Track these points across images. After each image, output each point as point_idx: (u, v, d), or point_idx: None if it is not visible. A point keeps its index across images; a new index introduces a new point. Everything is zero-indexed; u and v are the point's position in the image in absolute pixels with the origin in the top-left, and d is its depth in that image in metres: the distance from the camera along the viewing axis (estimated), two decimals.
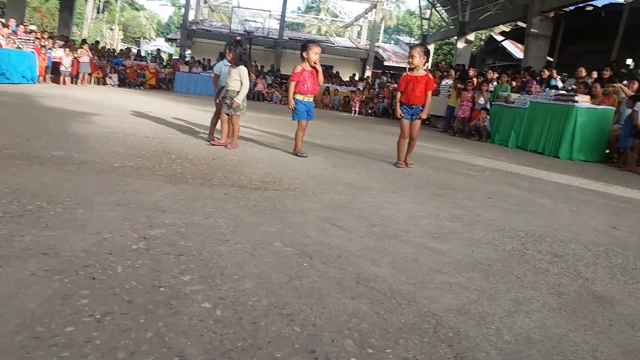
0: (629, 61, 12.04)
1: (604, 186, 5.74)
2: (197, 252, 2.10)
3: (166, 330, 1.42)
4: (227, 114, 5.46)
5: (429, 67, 18.71)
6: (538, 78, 11.18)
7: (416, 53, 5.28)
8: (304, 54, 5.31)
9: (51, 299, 1.55)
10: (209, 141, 5.73)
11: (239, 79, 5.35)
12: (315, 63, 5.26)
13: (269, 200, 3.21)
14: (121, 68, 19.16)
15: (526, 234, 3.07)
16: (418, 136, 5.67)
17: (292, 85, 5.37)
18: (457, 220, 3.24)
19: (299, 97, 5.36)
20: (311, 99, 5.43)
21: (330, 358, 1.38)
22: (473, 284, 2.10)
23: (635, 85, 8.34)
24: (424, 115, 5.42)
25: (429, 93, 5.37)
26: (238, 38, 6.65)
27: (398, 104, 5.54)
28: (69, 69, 15.21)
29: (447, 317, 1.74)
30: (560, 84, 10.83)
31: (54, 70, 15.20)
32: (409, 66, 5.51)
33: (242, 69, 5.38)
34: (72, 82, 15.56)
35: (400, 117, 5.53)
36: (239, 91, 5.35)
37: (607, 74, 9.65)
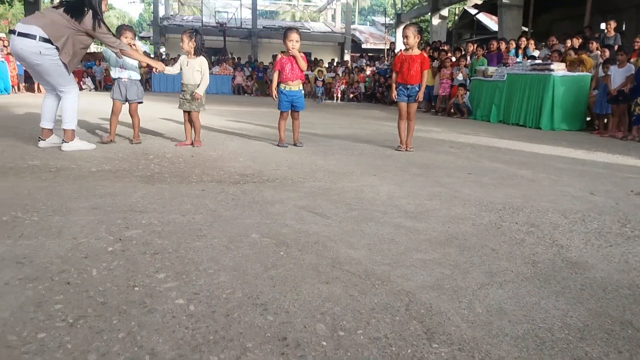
0: (603, 25, 12.07)
1: (584, 153, 5.80)
2: (173, 249, 2.11)
3: (138, 329, 1.43)
4: (188, 111, 5.11)
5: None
6: (513, 49, 11.16)
7: (410, 33, 5.24)
8: (284, 43, 5.33)
9: (24, 306, 1.55)
10: (133, 143, 5.24)
11: (200, 70, 5.05)
12: (290, 50, 5.24)
13: (247, 193, 3.21)
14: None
15: (504, 207, 3.11)
16: None
17: (274, 75, 5.44)
18: (436, 198, 3.26)
19: (281, 86, 5.36)
20: (296, 88, 5.37)
21: (301, 344, 1.40)
22: (447, 259, 2.13)
23: (607, 52, 8.37)
24: (420, 97, 5.43)
25: (425, 72, 5.35)
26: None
27: (394, 85, 5.54)
28: None
29: (420, 294, 1.76)
30: (536, 53, 10.84)
31: (27, 79, 14.77)
32: (404, 47, 5.46)
33: (203, 60, 5.08)
34: None
35: (394, 99, 5.54)
36: (199, 84, 5.05)
37: (577, 42, 9.65)
